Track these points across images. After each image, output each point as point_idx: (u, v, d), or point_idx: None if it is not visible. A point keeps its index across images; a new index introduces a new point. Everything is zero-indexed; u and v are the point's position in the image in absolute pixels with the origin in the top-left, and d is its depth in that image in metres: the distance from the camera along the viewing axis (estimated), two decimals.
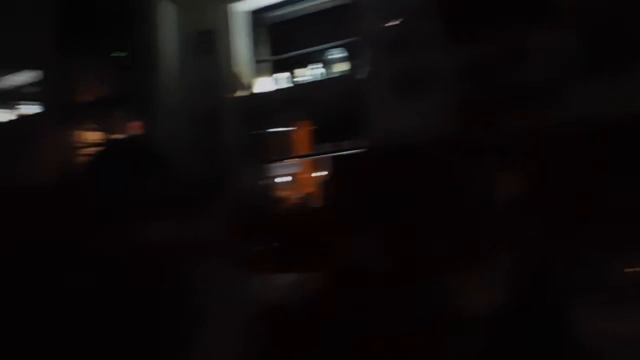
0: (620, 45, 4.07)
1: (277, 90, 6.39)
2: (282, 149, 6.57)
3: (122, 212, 0.96)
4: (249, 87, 6.48)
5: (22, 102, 8.32)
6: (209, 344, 0.84)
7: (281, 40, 6.63)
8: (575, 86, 4.13)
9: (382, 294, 1.00)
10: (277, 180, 6.72)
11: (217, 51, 6.38)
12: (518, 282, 1.01)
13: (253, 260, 1.05)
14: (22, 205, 1.22)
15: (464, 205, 1.13)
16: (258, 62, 6.66)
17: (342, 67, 6.13)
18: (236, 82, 6.38)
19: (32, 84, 8.10)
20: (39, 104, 7.93)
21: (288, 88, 6.34)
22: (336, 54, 6.17)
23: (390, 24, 5.40)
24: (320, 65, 6.26)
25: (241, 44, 6.51)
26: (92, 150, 7.25)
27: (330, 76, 6.16)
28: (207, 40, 6.40)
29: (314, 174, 6.81)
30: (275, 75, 6.51)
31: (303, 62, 6.38)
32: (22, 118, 8.20)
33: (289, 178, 7.05)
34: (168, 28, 6.60)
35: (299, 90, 6.23)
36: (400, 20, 5.31)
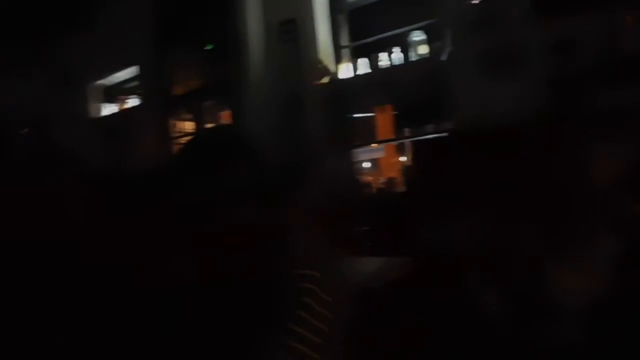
0: None
1: (359, 76, 6.35)
2: (366, 134, 6.55)
3: (214, 199, 0.99)
4: (331, 73, 6.49)
5: (124, 96, 8.90)
6: (301, 331, 0.85)
7: (361, 25, 6.57)
8: None
9: (470, 282, 0.97)
10: (361, 165, 6.73)
11: (300, 39, 6.43)
12: (619, 269, 0.94)
13: (341, 244, 1.05)
14: (126, 193, 1.30)
15: (558, 189, 1.06)
16: (339, 48, 6.65)
17: (422, 50, 5.98)
18: (319, 69, 6.42)
19: (132, 79, 8.63)
20: (139, 98, 8.45)
21: (369, 73, 6.29)
22: (416, 36, 6.01)
23: (474, 1, 5.17)
24: (400, 49, 6.14)
25: (322, 31, 6.53)
26: (186, 139, 7.64)
27: (411, 60, 6.02)
28: (290, 29, 6.48)
29: (397, 159, 6.75)
30: (356, 61, 6.47)
31: (383, 47, 6.29)
32: (125, 111, 8.77)
33: (373, 163, 7.03)
34: (253, 19, 6.74)
35: (380, 75, 6.16)
36: None
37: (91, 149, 6.72)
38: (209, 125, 7.59)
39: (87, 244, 1.07)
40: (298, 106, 6.15)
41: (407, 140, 6.39)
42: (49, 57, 8.06)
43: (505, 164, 1.09)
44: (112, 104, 9.03)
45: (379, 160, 7.14)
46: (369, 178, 6.65)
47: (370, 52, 6.36)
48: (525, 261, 0.90)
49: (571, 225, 0.93)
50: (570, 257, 0.89)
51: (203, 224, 0.91)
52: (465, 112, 4.86)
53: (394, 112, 6.43)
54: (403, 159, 6.85)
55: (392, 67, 6.12)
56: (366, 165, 7.11)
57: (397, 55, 6.12)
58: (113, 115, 8.89)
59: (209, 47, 7.44)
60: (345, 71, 6.49)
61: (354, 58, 6.53)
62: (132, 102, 8.72)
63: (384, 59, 6.22)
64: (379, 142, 6.67)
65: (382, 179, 6.62)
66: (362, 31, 6.51)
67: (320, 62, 6.44)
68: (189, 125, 7.84)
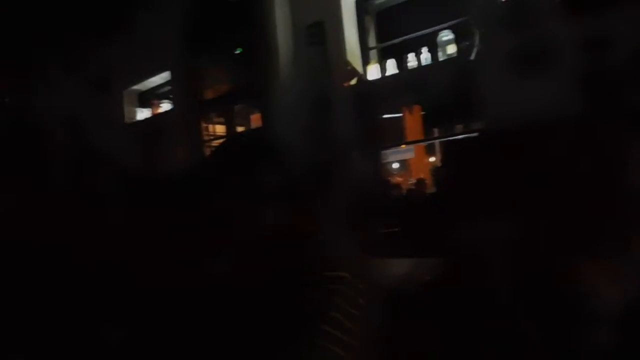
0: None
1: (387, 77, 6.32)
2: (394, 135, 6.52)
3: (248, 201, 1.00)
4: (360, 75, 6.48)
5: (158, 100, 9.07)
6: (333, 332, 0.85)
7: (388, 26, 6.54)
8: None
9: (501, 282, 0.95)
10: (390, 166, 6.70)
11: (327, 42, 6.44)
12: None
13: (371, 246, 1.05)
14: (162, 195, 1.33)
15: (593, 188, 1.03)
16: (367, 49, 6.63)
17: (451, 50, 5.91)
18: (347, 70, 6.42)
19: (165, 84, 8.80)
20: (172, 102, 8.61)
21: (397, 74, 6.25)
22: (444, 36, 5.95)
23: None
24: (428, 49, 6.08)
25: (350, 33, 6.52)
26: (218, 142, 7.76)
27: (440, 59, 5.96)
28: (318, 32, 6.50)
29: (426, 159, 6.69)
30: (384, 62, 6.45)
31: (411, 47, 6.25)
32: (159, 115, 8.95)
33: (402, 164, 6.99)
34: (281, 22, 6.79)
35: (408, 75, 6.11)
36: None
37: (127, 152, 6.88)
38: (239, 128, 7.68)
39: (125, 244, 1.10)
40: (326, 108, 6.16)
41: (436, 141, 6.32)
42: (86, 64, 8.28)
43: (538, 164, 1.07)
44: (146, 108, 9.22)
45: (408, 161, 7.09)
46: (398, 179, 6.61)
47: (398, 53, 6.33)
48: (558, 262, 0.88)
49: (607, 225, 0.91)
50: (606, 258, 0.87)
51: (236, 226, 0.93)
52: (495, 111, 4.78)
53: (423, 113, 6.38)
54: (432, 159, 6.78)
55: (421, 68, 6.07)
56: (395, 166, 7.07)
57: (425, 56, 6.07)
58: (147, 119, 9.08)
59: (238, 51, 7.52)
60: (373, 72, 6.47)
61: (382, 59, 6.51)
62: (165, 106, 8.89)
63: (412, 60, 6.18)
64: (408, 143, 6.62)
65: (411, 180, 6.57)
66: (389, 32, 6.49)
67: (348, 63, 6.44)
68: (220, 128, 7.95)
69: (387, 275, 1.05)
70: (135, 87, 9.16)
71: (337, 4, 6.45)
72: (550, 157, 1.11)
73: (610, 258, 0.91)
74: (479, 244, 1.02)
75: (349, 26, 6.51)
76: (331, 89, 6.26)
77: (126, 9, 7.87)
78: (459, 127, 5.74)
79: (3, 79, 8.15)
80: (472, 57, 5.45)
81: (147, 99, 9.26)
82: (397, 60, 6.30)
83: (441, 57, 5.95)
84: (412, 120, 6.65)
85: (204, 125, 7.98)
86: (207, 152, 7.65)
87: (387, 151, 6.50)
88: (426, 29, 6.02)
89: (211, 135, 7.99)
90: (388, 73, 6.35)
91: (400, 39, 6.34)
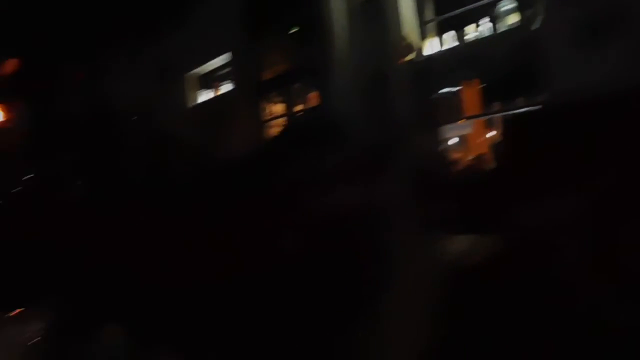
0: None
1: (445, 51, 6.14)
2: (453, 111, 6.35)
3: (311, 181, 1.02)
4: (417, 50, 6.34)
5: (219, 82, 9.27)
6: (394, 308, 0.87)
7: None
8: None
9: (566, 261, 0.93)
10: (449, 142, 6.55)
11: (383, 17, 6.32)
12: None
13: (430, 223, 1.05)
14: (228, 176, 1.37)
15: None
16: (424, 23, 6.46)
17: (513, 20, 5.63)
18: (403, 46, 6.28)
19: (225, 66, 8.97)
20: (232, 83, 8.77)
21: (456, 47, 6.06)
22: (505, 5, 5.67)
23: None
24: (489, 19, 5.83)
25: (406, 7, 6.36)
26: (278, 121, 7.87)
27: (501, 30, 5.70)
28: (373, 7, 6.38)
29: (486, 135, 6.48)
30: (442, 36, 6.26)
31: (471, 19, 6.02)
32: (220, 97, 9.15)
33: (461, 140, 6.81)
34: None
35: (467, 48, 5.91)
36: None
37: (191, 134, 7.11)
38: (297, 107, 7.74)
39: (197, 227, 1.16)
40: (384, 85, 6.08)
41: (496, 116, 6.10)
42: (151, 51, 8.57)
43: (605, 138, 1.03)
44: (208, 90, 9.45)
45: (467, 137, 6.89)
46: (457, 155, 6.44)
47: (457, 26, 6.11)
48: (624, 240, 0.85)
49: None
50: None
51: (300, 206, 0.95)
52: (560, 83, 4.54)
53: (483, 86, 6.16)
54: (492, 134, 6.55)
55: (481, 40, 5.84)
56: (454, 142, 6.89)
57: (486, 27, 5.83)
58: (209, 101, 9.31)
59: (293, 30, 7.54)
60: (431, 47, 6.30)
61: (439, 33, 6.32)
62: (226, 87, 9.07)
63: (471, 32, 5.95)
64: (468, 118, 6.43)
65: (470, 156, 6.39)
66: (447, 4, 6.27)
67: (404, 39, 6.30)
68: (279, 108, 8.04)
69: (447, 252, 1.05)
70: (196, 70, 9.38)
71: None
72: (620, 132, 1.06)
73: None
74: (540, 222, 1.00)
75: (405, 0, 6.35)
76: (388, 66, 6.17)
77: None
78: (520, 101, 5.50)
79: (80, 69, 8.61)
80: (536, 26, 5.18)
81: (208, 81, 9.48)
82: (456, 33, 6.09)
83: (502, 28, 5.69)
84: (471, 94, 6.44)
85: (263, 105, 8.09)
86: (268, 131, 7.78)
87: (446, 127, 6.34)
88: None
89: (270, 115, 8.10)
90: (446, 47, 6.16)
91: (459, 10, 6.11)
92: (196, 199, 1.28)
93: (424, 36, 6.40)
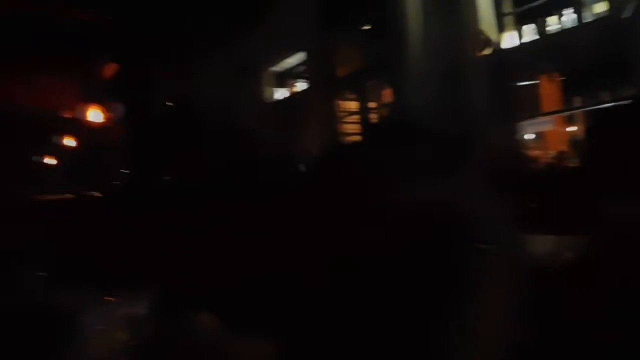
0: None
1: (524, 44, 5.88)
2: (533, 106, 6.07)
3: (395, 177, 1.03)
4: (494, 43, 6.11)
5: (294, 80, 9.46)
6: (479, 305, 0.86)
7: None
8: None
9: None
10: (529, 138, 6.28)
11: (459, 10, 6.15)
12: None
13: (513, 220, 1.03)
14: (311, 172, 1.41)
15: None
16: (501, 15, 6.21)
17: (600, 8, 5.27)
18: (480, 39, 6.08)
19: (301, 64, 9.12)
20: (308, 80, 8.91)
21: (536, 40, 5.77)
22: None
23: None
24: (572, 9, 5.49)
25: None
26: (353, 118, 7.89)
27: (586, 20, 5.36)
28: (449, 0, 6.22)
29: (569, 130, 6.15)
30: (521, 28, 5.99)
31: (552, 10, 5.70)
32: (296, 94, 9.33)
33: (537, 135, 6.51)
34: None
35: (549, 40, 5.61)
36: None
37: (268, 131, 7.31)
38: (372, 104, 7.72)
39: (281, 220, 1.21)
40: (460, 80, 5.92)
41: (579, 111, 5.76)
42: (231, 49, 8.89)
43: None
44: (284, 88, 9.67)
45: (547, 133, 6.56)
46: (537, 152, 6.16)
47: (537, 17, 5.82)
48: None
49: None
50: None
51: (388, 201, 0.97)
52: None
53: (565, 80, 5.83)
54: (574, 130, 6.20)
55: (563, 31, 5.52)
56: (534, 137, 6.59)
57: (569, 17, 5.50)
58: (285, 98, 9.52)
59: (367, 27, 7.51)
60: (509, 40, 6.05)
61: (518, 25, 6.05)
62: (301, 85, 9.23)
63: (553, 23, 5.65)
64: (550, 114, 6.11)
65: (551, 152, 6.09)
66: None
67: (481, 32, 6.09)
68: (353, 105, 8.06)
69: (530, 252, 1.03)
70: (273, 68, 9.61)
71: None
72: None
73: None
74: (629, 222, 0.95)
75: None
76: (465, 60, 6.00)
77: None
78: (605, 95, 5.15)
79: (168, 68, 9.12)
80: (628, 14, 4.82)
81: (284, 79, 9.69)
82: (535, 25, 5.81)
83: (588, 17, 5.35)
84: (552, 88, 6.12)
85: (338, 102, 8.15)
86: (343, 128, 7.83)
87: (525, 122, 6.06)
88: None
89: (345, 111, 8.14)
90: (526, 40, 5.89)
91: (540, 1, 5.82)
92: (284, 193, 1.34)
93: (502, 29, 6.16)
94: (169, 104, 9.13)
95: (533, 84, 6.07)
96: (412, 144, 1.09)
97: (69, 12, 9.40)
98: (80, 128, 11.34)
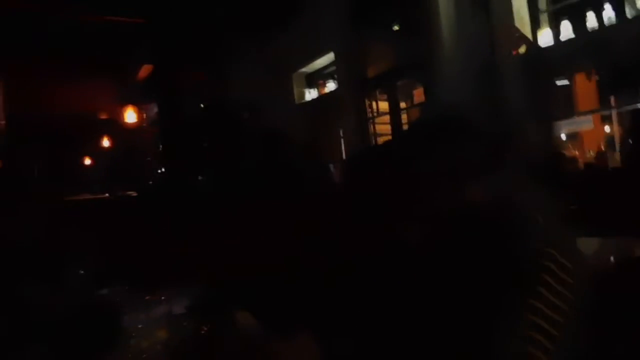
0: None
1: (561, 42, 5.72)
2: (570, 105, 5.90)
3: (450, 176, 1.02)
4: (530, 41, 5.97)
5: (324, 80, 9.46)
6: (540, 307, 0.85)
7: None
8: None
9: None
10: (567, 138, 6.11)
11: (493, 7, 6.02)
12: None
13: (561, 222, 1.00)
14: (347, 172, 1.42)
15: None
16: (537, 12, 6.05)
17: None
18: (515, 37, 5.95)
19: (331, 64, 9.11)
20: (338, 81, 8.89)
21: (574, 38, 5.61)
22: None
23: None
24: (613, 6, 5.31)
25: None
26: (383, 118, 7.84)
27: (629, 17, 5.17)
28: None
29: (607, 130, 5.95)
30: (558, 25, 5.82)
31: (590, 6, 5.52)
32: (326, 95, 9.33)
33: (572, 136, 6.33)
34: None
35: (587, 38, 5.44)
36: None
37: (301, 131, 7.33)
38: (403, 104, 7.66)
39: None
40: (495, 79, 5.79)
41: (618, 110, 5.56)
42: (262, 50, 8.96)
43: None
44: (314, 89, 9.68)
45: (585, 133, 6.37)
46: (576, 152, 5.99)
47: (574, 14, 5.65)
48: None
49: None
50: None
51: (437, 202, 0.96)
52: None
53: (605, 79, 5.65)
54: (613, 130, 6.00)
55: (603, 28, 5.34)
56: (571, 137, 6.41)
57: (609, 14, 5.32)
58: (315, 99, 9.53)
59: (397, 27, 7.45)
60: (545, 38, 5.90)
61: (555, 22, 5.88)
62: (331, 86, 9.22)
63: (592, 20, 5.47)
64: (590, 113, 5.93)
65: (590, 153, 5.91)
66: None
67: (516, 30, 5.95)
68: (384, 105, 8.01)
69: (583, 253, 1.00)
70: (303, 69, 9.63)
71: None
72: None
73: None
74: None
75: None
76: (499, 59, 5.88)
77: None
78: None
79: (200, 70, 9.28)
80: None
81: (314, 80, 9.70)
82: (573, 23, 5.64)
83: (631, 13, 5.16)
84: (590, 87, 5.94)
85: (369, 102, 8.11)
86: (373, 128, 7.78)
87: (563, 122, 5.89)
88: None
89: (376, 112, 8.10)
90: (563, 37, 5.73)
91: None
92: (323, 191, 1.34)
93: (537, 27, 6.00)
94: (203, 105, 9.28)
95: (573, 82, 5.90)
96: (455, 143, 1.07)
97: (105, 16, 9.66)
98: (116, 129, 11.65)
